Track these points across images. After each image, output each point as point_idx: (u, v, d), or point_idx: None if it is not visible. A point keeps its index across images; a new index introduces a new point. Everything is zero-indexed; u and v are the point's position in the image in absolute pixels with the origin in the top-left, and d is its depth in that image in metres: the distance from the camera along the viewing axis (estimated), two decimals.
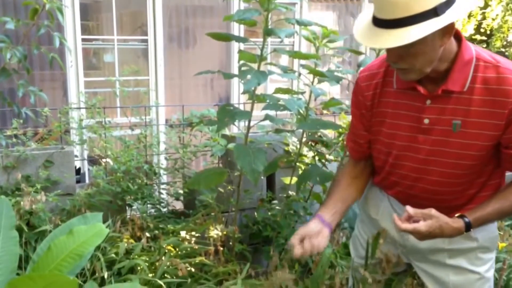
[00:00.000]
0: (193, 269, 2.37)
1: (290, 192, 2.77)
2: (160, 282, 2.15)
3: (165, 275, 2.28)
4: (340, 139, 2.72)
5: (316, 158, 2.69)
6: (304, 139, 2.66)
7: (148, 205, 2.92)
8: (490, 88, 1.37)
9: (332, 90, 5.46)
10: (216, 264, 2.43)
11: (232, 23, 4.83)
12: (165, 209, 3.02)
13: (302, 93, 2.58)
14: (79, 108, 3.90)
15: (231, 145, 2.74)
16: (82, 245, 1.71)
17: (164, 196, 3.10)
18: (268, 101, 2.37)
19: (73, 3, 4.32)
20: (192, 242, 2.53)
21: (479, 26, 7.00)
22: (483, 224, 1.47)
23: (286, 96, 2.45)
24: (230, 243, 2.62)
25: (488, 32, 7.01)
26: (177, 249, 2.49)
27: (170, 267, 2.31)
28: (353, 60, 5.93)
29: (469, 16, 6.82)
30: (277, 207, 2.88)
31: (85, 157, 3.94)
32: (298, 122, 2.55)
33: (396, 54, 1.34)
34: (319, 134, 2.72)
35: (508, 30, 6.82)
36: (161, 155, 3.41)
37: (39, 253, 1.82)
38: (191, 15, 5.30)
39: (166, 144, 3.35)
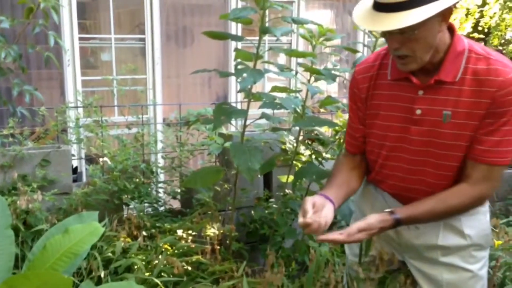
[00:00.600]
0: (189, 268, 2.36)
1: (287, 191, 2.77)
2: (157, 280, 2.15)
3: (162, 273, 2.28)
4: (337, 137, 2.72)
5: (313, 156, 2.69)
6: (300, 138, 2.66)
7: (145, 204, 2.92)
8: (479, 79, 1.39)
9: (330, 89, 5.46)
10: (213, 262, 2.43)
11: (229, 22, 4.83)
12: (162, 208, 3.03)
13: (299, 91, 2.58)
14: (76, 107, 3.91)
15: (228, 144, 2.74)
16: (78, 244, 1.72)
17: (161, 194, 3.11)
18: (264, 99, 2.37)
19: (70, 1, 4.30)
20: (189, 240, 2.54)
21: (476, 24, 7.01)
22: (415, 223, 1.51)
23: (282, 95, 2.45)
24: (227, 241, 2.62)
25: (486, 30, 7.02)
26: (173, 248, 2.49)
27: (167, 265, 2.31)
28: (351, 58, 5.93)
29: (467, 14, 6.84)
30: (274, 206, 2.89)
31: (82, 156, 3.93)
32: (294, 121, 2.55)
33: (398, 40, 1.37)
34: (315, 132, 2.72)
35: (506, 28, 6.84)
36: (158, 154, 3.41)
37: (34, 252, 1.83)
38: (188, 14, 5.29)
39: (163, 142, 3.36)
